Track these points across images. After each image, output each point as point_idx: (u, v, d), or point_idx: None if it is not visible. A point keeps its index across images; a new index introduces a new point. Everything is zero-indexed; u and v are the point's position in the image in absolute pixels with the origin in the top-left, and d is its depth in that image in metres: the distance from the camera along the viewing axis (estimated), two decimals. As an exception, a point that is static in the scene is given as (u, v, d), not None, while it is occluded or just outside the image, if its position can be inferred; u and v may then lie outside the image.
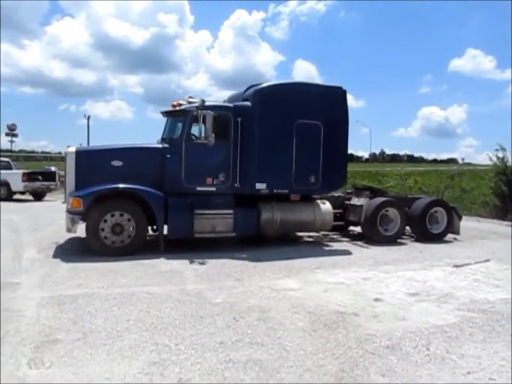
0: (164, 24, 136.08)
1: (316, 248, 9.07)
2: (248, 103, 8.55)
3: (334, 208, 9.65)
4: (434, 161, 74.70)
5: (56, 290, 5.41)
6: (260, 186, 8.48)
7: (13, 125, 30.45)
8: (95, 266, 6.70)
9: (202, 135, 7.95)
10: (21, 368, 3.40)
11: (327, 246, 9.33)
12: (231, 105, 8.61)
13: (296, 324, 4.47)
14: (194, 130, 8.30)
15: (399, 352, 3.87)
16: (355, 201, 10.16)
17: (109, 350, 3.74)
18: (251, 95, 8.63)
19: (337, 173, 9.21)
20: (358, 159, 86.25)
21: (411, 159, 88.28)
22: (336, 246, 9.32)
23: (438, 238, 10.10)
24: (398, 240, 9.81)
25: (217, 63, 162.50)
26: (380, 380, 3.38)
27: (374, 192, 10.74)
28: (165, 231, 7.98)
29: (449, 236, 10.42)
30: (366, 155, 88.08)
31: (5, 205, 16.62)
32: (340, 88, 9.25)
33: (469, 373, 3.51)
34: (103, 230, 7.50)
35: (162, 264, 6.95)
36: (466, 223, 12.93)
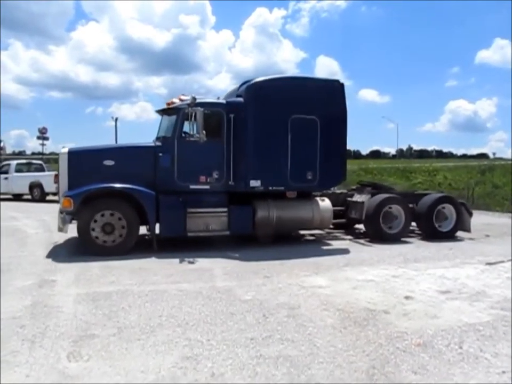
0: (186, 25, 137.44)
1: (343, 246, 9.02)
2: (240, 99, 8.43)
3: (336, 205, 9.48)
4: (464, 156, 72.68)
5: (90, 288, 5.58)
6: (254, 183, 8.31)
7: (44, 128, 31.29)
8: (126, 264, 6.89)
9: (194, 132, 7.90)
10: (61, 361, 3.55)
11: (359, 246, 9.26)
12: (223, 101, 8.53)
13: (325, 321, 4.48)
14: (189, 128, 8.24)
15: (431, 350, 3.83)
16: (356, 197, 9.93)
17: (143, 344, 3.86)
18: (244, 91, 8.48)
19: (336, 169, 8.95)
20: (385, 155, 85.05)
21: (440, 154, 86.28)
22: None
23: (446, 236, 9.70)
24: (404, 239, 9.47)
25: (239, 62, 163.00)
26: (411, 377, 3.36)
27: (378, 188, 10.48)
28: (158, 230, 7.97)
29: (481, 233, 10.18)
30: (392, 151, 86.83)
31: (38, 205, 17.21)
32: (337, 81, 8.99)
33: (504, 372, 3.45)
34: (93, 229, 7.53)
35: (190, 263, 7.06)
36: (499, 220, 12.65)
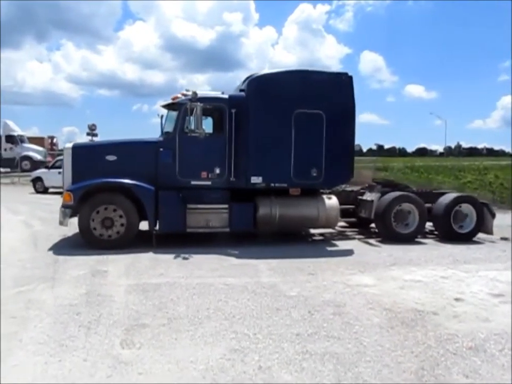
0: (229, 23, 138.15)
1: (388, 244, 8.83)
2: (242, 94, 8.31)
3: (346, 203, 9.23)
4: (518, 154, 68.60)
5: (140, 279, 5.80)
6: (256, 180, 8.12)
7: (93, 125, 32.42)
8: (174, 257, 7.07)
9: (195, 128, 7.79)
10: (114, 347, 3.72)
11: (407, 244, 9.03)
12: (226, 96, 8.38)
13: (372, 320, 4.43)
14: (193, 123, 8.02)
15: (483, 354, 3.71)
16: (367, 196, 9.57)
17: (192, 335, 3.98)
18: (246, 85, 8.33)
19: (342, 165, 8.57)
20: (432, 153, 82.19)
21: (491, 152, 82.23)
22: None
23: (465, 238, 9.12)
24: (418, 239, 9.08)
25: (282, 59, 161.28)
26: (463, 380, 3.28)
27: (393, 187, 10.07)
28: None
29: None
30: (440, 149, 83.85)
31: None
32: (345, 74, 8.58)
33: None
34: (94, 223, 7.61)
35: (234, 258, 7.16)
36: (557, 222, 11.90)
